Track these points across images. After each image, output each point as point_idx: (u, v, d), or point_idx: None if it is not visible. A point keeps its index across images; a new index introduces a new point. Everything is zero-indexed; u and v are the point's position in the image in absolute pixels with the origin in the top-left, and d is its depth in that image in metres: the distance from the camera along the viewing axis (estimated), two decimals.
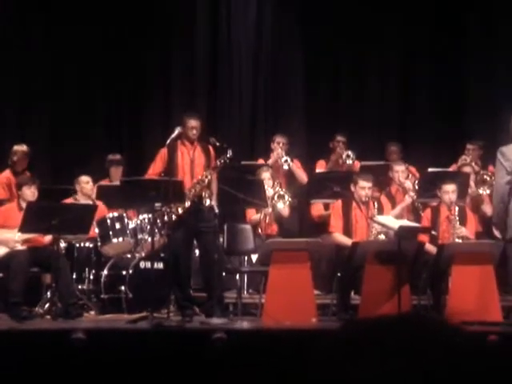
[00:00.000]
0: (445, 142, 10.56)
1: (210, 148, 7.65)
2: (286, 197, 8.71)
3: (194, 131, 7.59)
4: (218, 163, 7.50)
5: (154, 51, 10.82)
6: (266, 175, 8.69)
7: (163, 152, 7.59)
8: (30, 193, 7.85)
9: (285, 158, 9.30)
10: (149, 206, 7.86)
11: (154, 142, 9.12)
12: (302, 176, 9.41)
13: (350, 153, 9.36)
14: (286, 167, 9.32)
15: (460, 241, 7.98)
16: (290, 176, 9.41)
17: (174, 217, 7.35)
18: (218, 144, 7.51)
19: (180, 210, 7.34)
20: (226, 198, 7.67)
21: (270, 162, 9.35)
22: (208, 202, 7.43)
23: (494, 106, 10.77)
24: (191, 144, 7.63)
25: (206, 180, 7.47)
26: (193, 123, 7.62)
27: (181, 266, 7.47)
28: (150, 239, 7.75)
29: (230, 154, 7.47)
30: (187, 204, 7.37)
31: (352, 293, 7.96)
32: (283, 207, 8.74)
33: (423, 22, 10.90)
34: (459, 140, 9.88)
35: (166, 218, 7.41)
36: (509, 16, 10.87)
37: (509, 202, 6.91)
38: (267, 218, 8.71)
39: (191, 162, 7.59)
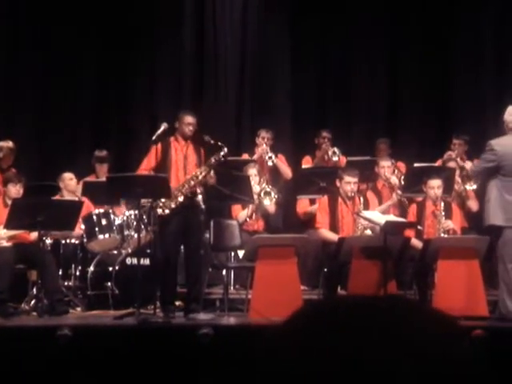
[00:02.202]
0: (432, 137, 10.61)
1: (201, 147, 7.68)
2: (273, 193, 8.71)
3: (191, 127, 7.61)
4: (213, 160, 7.51)
5: (140, 50, 10.80)
6: (252, 171, 8.69)
7: (157, 148, 7.60)
8: (15, 190, 7.82)
9: (270, 153, 9.31)
10: (135, 202, 7.84)
11: (141, 139, 9.12)
12: (287, 171, 9.42)
13: (335, 149, 9.38)
14: (270, 163, 9.32)
15: (446, 235, 8.00)
16: (274, 171, 9.41)
17: (166, 211, 7.34)
18: (212, 142, 7.51)
19: (173, 205, 7.34)
20: (213, 194, 7.67)
21: (254, 157, 9.35)
22: (199, 198, 7.44)
23: (481, 101, 10.82)
24: (185, 141, 7.65)
25: (200, 176, 7.47)
26: (189, 119, 7.63)
27: (169, 262, 7.47)
28: (136, 235, 7.73)
29: (225, 151, 7.49)
30: (181, 199, 7.37)
31: (338, 288, 7.97)
32: (269, 203, 8.74)
33: (410, 20, 10.92)
34: (446, 135, 9.91)
35: (159, 211, 7.38)
36: (495, 12, 10.91)
37: (487, 191, 6.95)
38: (254, 214, 8.72)
39: (184, 159, 7.60)
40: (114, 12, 10.69)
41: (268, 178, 9.16)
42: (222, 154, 7.49)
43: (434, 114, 10.90)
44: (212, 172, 7.53)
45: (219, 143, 7.50)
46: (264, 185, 8.76)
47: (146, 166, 7.59)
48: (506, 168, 6.81)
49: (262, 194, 8.64)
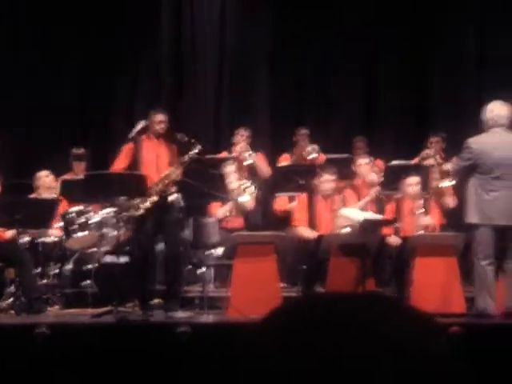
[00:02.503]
0: (409, 134, 10.65)
1: (174, 145, 7.66)
2: (251, 189, 8.70)
3: (162, 125, 7.59)
4: (187, 158, 7.49)
5: (119, 48, 10.76)
6: (230, 168, 8.68)
7: (128, 147, 7.58)
8: None
9: (248, 151, 9.30)
10: (113, 200, 7.82)
11: (119, 137, 9.07)
12: (265, 169, 9.42)
13: (314, 146, 9.39)
14: (249, 161, 9.31)
15: (423, 231, 8.03)
16: (253, 169, 9.40)
17: (141, 211, 7.33)
18: (186, 139, 7.50)
19: (148, 205, 7.32)
20: (191, 192, 7.66)
21: (233, 154, 9.34)
22: (175, 196, 7.42)
23: (459, 99, 10.87)
24: (157, 139, 7.62)
25: (174, 175, 7.45)
26: (160, 117, 7.62)
27: (147, 260, 7.45)
28: (114, 233, 7.71)
29: (198, 148, 7.48)
30: (155, 198, 7.36)
31: (317, 285, 7.98)
32: (248, 200, 8.74)
33: (388, 19, 10.95)
34: (423, 133, 9.95)
35: (136, 213, 7.37)
36: (474, 12, 10.97)
37: (465, 190, 6.99)
38: (233, 211, 8.71)
39: (156, 157, 7.58)
40: (94, 11, 10.64)
41: (246, 175, 9.15)
42: (195, 151, 7.48)
43: (411, 111, 10.94)
44: (180, 169, 7.51)
45: (192, 140, 7.50)
46: (243, 181, 8.75)
47: (118, 166, 7.58)
48: (482, 166, 6.84)
49: (241, 190, 8.63)
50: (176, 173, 7.46)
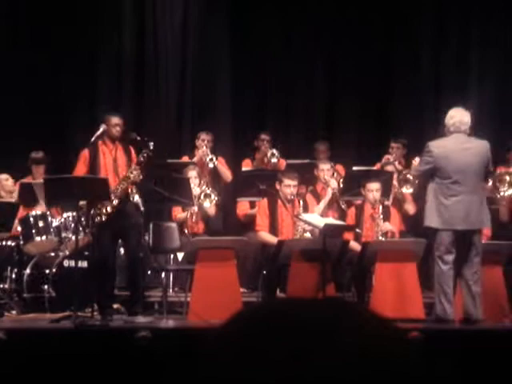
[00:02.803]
0: (370, 140, 10.72)
1: (131, 147, 7.64)
2: (213, 195, 8.69)
3: (118, 128, 7.58)
4: (142, 158, 7.49)
5: (80, 50, 10.67)
6: (192, 173, 8.66)
7: (84, 154, 7.57)
8: None
9: (210, 156, 9.29)
10: (73, 204, 7.75)
11: (79, 140, 9.01)
12: (227, 174, 9.42)
13: (274, 151, 9.41)
14: (211, 165, 9.30)
15: (383, 238, 8.08)
16: (214, 174, 9.39)
17: (103, 216, 7.30)
18: (139, 138, 7.51)
19: (109, 209, 7.29)
20: (152, 196, 7.63)
21: (194, 159, 9.33)
22: (136, 198, 7.39)
23: (419, 104, 10.97)
24: (113, 143, 7.61)
25: (132, 176, 7.43)
26: (116, 120, 7.61)
27: (107, 265, 7.41)
28: (74, 237, 7.65)
29: (151, 146, 7.47)
30: (115, 202, 7.33)
31: (277, 291, 7.99)
32: (210, 206, 8.72)
33: (350, 22, 11.01)
34: (385, 138, 10.02)
35: (97, 218, 7.32)
36: (434, 16, 11.07)
37: (425, 194, 7.05)
38: (193, 216, 8.69)
39: (113, 162, 7.57)
40: (55, 12, 10.55)
41: (208, 180, 9.14)
42: (148, 149, 7.48)
43: (372, 117, 11.00)
44: (138, 170, 7.48)
45: (145, 138, 7.50)
46: (204, 187, 8.74)
47: (77, 173, 7.54)
48: (442, 170, 6.90)
49: (202, 197, 8.62)
50: (134, 174, 7.44)
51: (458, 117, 6.99)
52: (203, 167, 9.25)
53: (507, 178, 8.71)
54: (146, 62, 10.80)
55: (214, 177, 9.38)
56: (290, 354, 0.94)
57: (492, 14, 11.05)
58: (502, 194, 8.72)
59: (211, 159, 9.27)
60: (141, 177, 7.52)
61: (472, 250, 6.99)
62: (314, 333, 0.96)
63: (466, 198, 6.87)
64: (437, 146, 6.98)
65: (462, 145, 6.98)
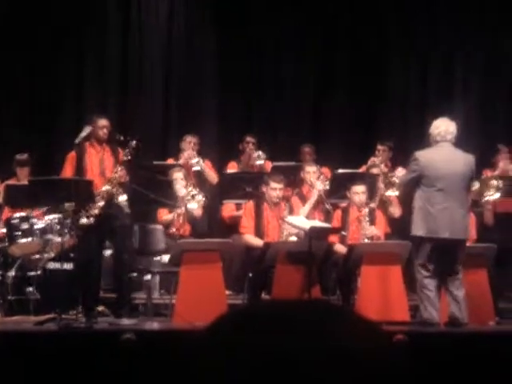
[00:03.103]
0: (356, 143, 10.74)
1: (119, 149, 7.62)
2: (199, 197, 8.68)
3: (105, 130, 7.57)
4: (125, 158, 7.48)
5: (65, 52, 10.64)
6: (178, 175, 8.63)
7: (71, 156, 7.55)
8: None
9: (196, 158, 9.28)
10: (58, 206, 7.73)
11: (65, 143, 8.98)
12: (213, 176, 9.41)
13: (260, 153, 9.40)
14: (197, 168, 9.29)
15: (369, 241, 8.09)
16: (200, 176, 9.38)
17: (91, 218, 7.28)
18: (122, 138, 7.50)
19: (96, 211, 7.28)
20: (137, 198, 7.62)
21: (180, 161, 9.32)
22: (121, 199, 7.37)
23: (406, 109, 11.01)
24: (100, 145, 7.60)
25: (116, 176, 7.42)
26: (103, 122, 7.60)
27: (93, 266, 7.39)
28: (59, 239, 7.62)
29: (133, 144, 7.47)
30: (101, 203, 7.32)
31: (263, 293, 7.98)
32: (196, 208, 8.70)
33: (339, 25, 11.03)
34: (371, 141, 10.04)
35: (84, 221, 7.31)
36: (422, 18, 11.12)
37: (412, 202, 7.07)
38: (180, 218, 8.66)
39: (100, 163, 7.55)
40: (41, 12, 10.52)
41: (194, 182, 9.12)
42: (132, 147, 7.47)
43: (358, 120, 11.02)
44: (122, 170, 7.47)
45: (128, 138, 7.49)
46: (190, 188, 8.72)
47: (65, 175, 7.53)
48: (428, 178, 6.93)
49: (189, 197, 8.60)
50: (119, 174, 7.43)
51: (444, 126, 7.03)
52: (189, 169, 9.23)
53: (493, 182, 8.76)
54: (132, 63, 10.78)
55: (200, 179, 9.36)
56: (275, 356, 0.94)
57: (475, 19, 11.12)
58: (487, 197, 8.76)
59: (197, 162, 9.26)
60: (127, 178, 7.51)
61: (454, 259, 7.02)
62: (299, 335, 0.96)
63: (451, 207, 6.90)
64: (423, 155, 7.02)
65: (449, 154, 7.02)
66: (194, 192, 8.67)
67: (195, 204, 8.64)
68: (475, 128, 10.69)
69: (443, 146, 7.01)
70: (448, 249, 6.97)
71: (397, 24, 11.09)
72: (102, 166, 7.54)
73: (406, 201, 7.64)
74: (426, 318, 6.89)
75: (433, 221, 6.88)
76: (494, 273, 7.91)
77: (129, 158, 7.50)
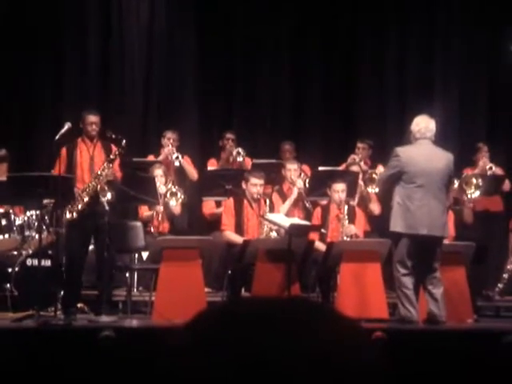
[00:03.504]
0: (336, 140, 10.76)
1: (112, 145, 7.59)
2: (179, 194, 8.67)
3: (94, 126, 7.54)
4: (114, 155, 7.46)
5: (45, 49, 10.58)
6: (158, 172, 8.62)
7: (62, 151, 7.52)
8: None
9: (176, 154, 9.27)
10: (37, 203, 7.69)
11: (44, 139, 8.95)
12: (193, 173, 9.40)
13: (240, 150, 9.40)
14: (177, 164, 9.28)
15: (348, 239, 8.11)
16: (180, 173, 9.37)
17: (74, 214, 7.26)
18: (113, 136, 7.47)
19: (80, 207, 7.25)
20: (117, 195, 7.59)
21: (160, 158, 9.30)
22: (108, 197, 7.34)
23: (385, 106, 11.04)
24: (91, 141, 7.58)
25: (104, 174, 7.39)
26: (92, 119, 7.57)
27: (75, 263, 7.36)
28: (37, 236, 7.58)
29: (123, 144, 7.45)
30: (86, 199, 7.30)
31: (242, 290, 7.99)
32: (176, 204, 8.70)
33: (315, 21, 11.04)
34: (351, 139, 10.06)
35: (68, 216, 7.28)
36: (397, 18, 11.15)
37: (391, 198, 7.08)
38: (159, 215, 8.65)
39: (90, 160, 7.54)
40: (20, 9, 10.45)
41: (174, 179, 9.11)
42: (121, 147, 7.45)
43: (338, 117, 11.04)
44: (110, 168, 7.45)
45: (119, 136, 7.46)
46: (170, 185, 8.71)
47: (56, 169, 7.50)
48: (408, 175, 6.95)
49: (168, 195, 8.59)
50: (106, 172, 7.40)
51: (424, 124, 7.07)
52: (169, 166, 9.22)
53: (473, 180, 8.81)
54: (112, 60, 10.74)
55: (180, 175, 9.35)
56: (255, 354, 0.94)
57: (455, 18, 11.17)
58: (468, 196, 8.81)
59: (177, 157, 9.25)
60: (116, 176, 7.50)
61: (432, 256, 7.04)
62: (279, 332, 0.96)
63: (430, 203, 6.93)
64: (404, 151, 7.05)
65: (429, 151, 7.05)
66: (174, 189, 8.66)
67: (175, 201, 8.63)
68: (454, 126, 10.75)
69: (422, 144, 7.05)
70: (426, 246, 6.99)
71: (373, 23, 11.11)
72: (91, 162, 7.53)
73: (385, 197, 7.66)
74: (404, 316, 6.92)
75: (412, 217, 6.91)
76: (472, 271, 7.95)
77: (117, 156, 7.47)
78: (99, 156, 7.55)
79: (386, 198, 7.54)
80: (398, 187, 7.00)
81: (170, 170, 9.17)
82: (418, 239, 6.93)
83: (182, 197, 8.68)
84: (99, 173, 7.39)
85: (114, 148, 7.57)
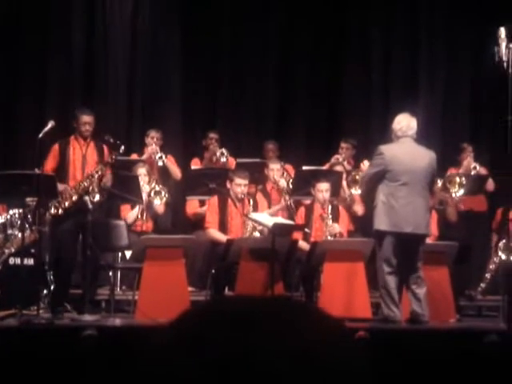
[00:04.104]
0: (320, 140, 10.78)
1: (104, 146, 7.59)
2: (163, 192, 8.65)
3: (88, 126, 7.56)
4: (110, 160, 7.47)
5: (29, 45, 10.53)
6: (141, 171, 8.60)
7: (55, 148, 7.51)
8: None
9: (159, 154, 9.25)
10: (20, 201, 7.66)
11: (27, 136, 8.91)
12: (177, 172, 9.38)
13: (224, 150, 9.40)
14: (160, 163, 9.26)
15: (332, 238, 8.12)
16: (164, 172, 9.35)
17: (60, 210, 7.24)
18: (112, 140, 7.48)
19: (67, 204, 7.24)
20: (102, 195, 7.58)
21: (144, 157, 9.28)
22: (97, 198, 7.33)
23: (369, 106, 11.07)
24: (84, 140, 7.57)
25: (96, 175, 7.39)
26: (86, 119, 7.58)
27: (63, 261, 7.34)
28: (20, 235, 7.55)
29: (122, 150, 7.46)
30: (74, 198, 7.28)
31: (226, 289, 7.99)
32: (159, 203, 8.68)
33: (301, 22, 11.05)
34: (334, 138, 10.08)
35: (52, 211, 7.26)
36: (382, 17, 11.19)
37: (374, 197, 7.09)
38: (143, 214, 8.63)
39: (83, 158, 7.53)
40: (5, 11, 10.41)
41: (157, 178, 9.09)
42: (119, 152, 7.47)
43: (322, 117, 11.05)
44: (104, 170, 7.46)
45: (118, 142, 7.46)
46: (154, 184, 8.69)
47: (46, 167, 7.48)
48: (392, 173, 6.96)
49: (152, 194, 8.57)
50: (99, 174, 7.41)
51: (405, 122, 7.09)
52: (152, 165, 9.20)
53: (457, 179, 8.84)
54: (96, 58, 10.70)
55: (163, 175, 9.33)
56: (238, 352, 0.94)
57: (439, 19, 11.21)
58: (453, 194, 8.84)
59: (160, 157, 9.24)
60: (108, 178, 7.51)
61: (415, 255, 7.06)
62: (262, 331, 0.96)
63: (415, 201, 6.94)
64: (387, 149, 7.06)
65: (411, 149, 7.08)
66: (158, 188, 8.65)
67: (159, 200, 8.62)
68: (437, 126, 10.79)
69: (405, 142, 7.06)
70: (410, 244, 7.00)
71: (358, 22, 11.14)
72: (83, 161, 7.52)
73: (368, 196, 7.66)
74: (388, 315, 6.93)
75: (396, 215, 6.91)
76: (455, 270, 7.98)
77: (113, 161, 7.49)
78: (92, 155, 7.57)
79: (369, 197, 7.55)
80: (381, 185, 7.00)
81: (153, 169, 9.15)
82: (402, 237, 6.94)
83: (166, 196, 8.67)
84: (92, 173, 7.39)
85: (106, 150, 7.57)
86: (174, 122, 10.71)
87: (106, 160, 7.47)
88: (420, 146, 7.18)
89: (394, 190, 6.95)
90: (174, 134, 10.42)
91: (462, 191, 8.87)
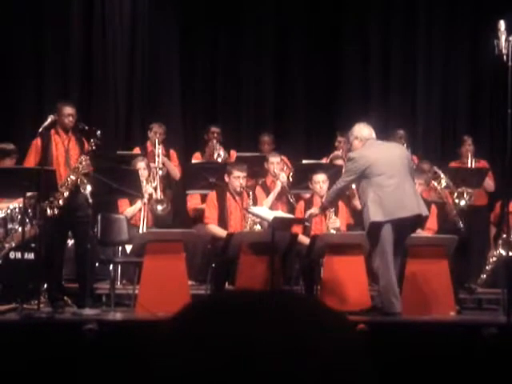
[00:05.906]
0: (319, 134, 10.77)
1: (84, 139, 7.57)
2: (165, 204, 8.64)
3: (71, 118, 7.51)
4: (90, 148, 7.44)
5: (27, 40, 10.53)
6: (141, 165, 8.59)
7: (36, 143, 7.46)
8: None
9: (159, 165, 9.20)
10: (20, 196, 7.66)
11: (26, 131, 8.91)
12: (176, 173, 9.36)
13: (221, 152, 9.40)
14: (160, 173, 9.20)
15: (333, 232, 8.12)
16: (166, 175, 9.34)
17: (55, 209, 7.24)
18: (86, 128, 7.45)
19: (61, 202, 7.24)
20: (101, 188, 7.57)
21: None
22: (88, 190, 7.32)
23: (367, 99, 11.07)
24: (66, 134, 7.53)
25: (81, 167, 7.37)
26: (69, 110, 7.53)
27: (54, 256, 7.34)
28: (20, 229, 7.56)
29: (99, 135, 7.42)
30: (66, 194, 7.27)
31: (226, 283, 8.00)
32: (161, 209, 8.66)
33: (299, 15, 11.05)
34: (334, 132, 10.07)
35: (49, 212, 7.26)
36: (380, 12, 11.18)
37: (366, 198, 7.06)
38: (143, 208, 8.63)
39: (66, 152, 7.49)
40: (2, 6, 10.41)
41: (161, 185, 9.04)
42: (96, 138, 7.43)
43: (320, 110, 11.05)
44: (87, 160, 7.43)
45: (93, 128, 7.44)
46: (156, 184, 8.65)
47: (29, 162, 7.46)
48: (372, 169, 6.95)
49: (154, 203, 8.54)
50: (83, 164, 7.38)
51: (366, 128, 7.20)
52: (153, 159, 9.19)
53: (465, 194, 8.90)
54: (95, 52, 10.70)
55: (164, 174, 9.32)
56: (239, 347, 0.94)
57: (437, 11, 11.20)
58: (455, 202, 8.88)
59: (160, 168, 9.16)
60: (91, 167, 7.47)
61: (405, 240, 7.08)
62: (263, 325, 0.96)
63: (401, 186, 6.94)
64: (358, 153, 7.09)
65: (381, 145, 7.20)
66: (160, 198, 8.62)
67: (160, 206, 8.60)
68: (437, 119, 10.79)
69: (372, 143, 7.16)
70: (405, 229, 7.01)
71: (356, 18, 11.14)
72: (67, 156, 7.48)
73: (332, 205, 7.79)
74: (387, 307, 6.93)
75: (389, 203, 6.89)
76: (455, 263, 7.98)
77: (93, 148, 7.45)
78: (74, 149, 7.53)
79: (332, 206, 7.70)
80: (365, 184, 7.00)
81: (155, 162, 9.14)
82: (400, 223, 6.91)
83: (168, 205, 8.63)
84: (77, 166, 7.37)
85: (86, 141, 7.55)
86: (175, 116, 10.72)
87: (87, 149, 7.45)
88: (384, 141, 7.29)
89: (379, 182, 6.94)
90: (175, 128, 10.42)
91: (463, 202, 8.93)
